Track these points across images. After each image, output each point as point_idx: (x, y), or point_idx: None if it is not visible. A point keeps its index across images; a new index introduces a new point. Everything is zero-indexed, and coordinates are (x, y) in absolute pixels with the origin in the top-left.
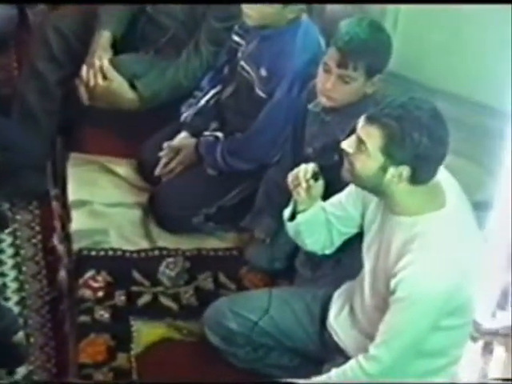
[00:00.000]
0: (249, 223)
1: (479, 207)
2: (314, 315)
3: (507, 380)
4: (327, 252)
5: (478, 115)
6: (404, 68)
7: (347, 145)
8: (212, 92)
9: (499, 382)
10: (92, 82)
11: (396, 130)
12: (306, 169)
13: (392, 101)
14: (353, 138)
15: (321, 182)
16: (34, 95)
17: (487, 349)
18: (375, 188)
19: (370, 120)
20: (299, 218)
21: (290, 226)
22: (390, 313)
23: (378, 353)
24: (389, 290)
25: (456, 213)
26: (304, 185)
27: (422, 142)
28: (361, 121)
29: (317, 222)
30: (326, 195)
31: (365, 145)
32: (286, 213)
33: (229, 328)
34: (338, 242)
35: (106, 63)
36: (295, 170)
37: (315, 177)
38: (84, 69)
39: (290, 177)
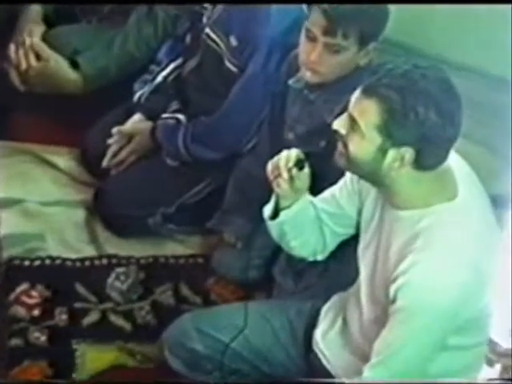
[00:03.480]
0: (217, 224)
1: (493, 202)
2: (297, 334)
3: (507, 380)
4: (319, 258)
5: (495, 92)
6: (404, 34)
7: (339, 124)
8: (171, 66)
9: (499, 382)
10: (24, 64)
11: (397, 103)
12: (288, 155)
13: (392, 69)
14: (345, 115)
15: (306, 171)
16: None
17: (506, 374)
18: (373, 175)
19: (366, 92)
20: (283, 215)
21: (272, 226)
22: (387, 327)
23: (373, 375)
24: (389, 298)
25: (470, 206)
26: (286, 175)
27: (428, 118)
28: (355, 94)
29: (305, 219)
30: (313, 190)
31: (358, 123)
32: (267, 210)
33: (194, 350)
34: (332, 245)
35: (37, 40)
36: (275, 158)
37: (299, 164)
38: (12, 48)
39: (270, 165)
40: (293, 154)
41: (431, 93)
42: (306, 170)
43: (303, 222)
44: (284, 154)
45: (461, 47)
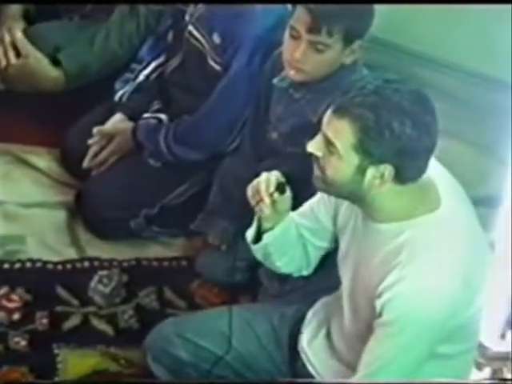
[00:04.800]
0: (200, 226)
1: (483, 203)
2: (281, 340)
3: (507, 380)
4: (304, 273)
5: (482, 90)
6: (390, 32)
7: (314, 147)
8: (153, 64)
9: (499, 382)
10: (3, 62)
11: (371, 121)
12: (268, 180)
13: (363, 86)
14: (319, 137)
15: (288, 195)
16: None
17: (496, 378)
18: (353, 195)
19: (338, 112)
20: (266, 237)
21: (256, 249)
22: (375, 339)
23: None
24: (373, 312)
25: (453, 215)
26: (267, 200)
27: (404, 132)
28: (326, 115)
29: (288, 239)
30: (298, 198)
31: (334, 145)
32: (250, 234)
33: (177, 357)
34: (315, 259)
35: (18, 36)
36: (255, 181)
37: (280, 188)
38: None
39: (250, 190)
40: (272, 178)
41: (405, 107)
42: (288, 193)
43: (287, 241)
44: (263, 177)
45: (448, 45)
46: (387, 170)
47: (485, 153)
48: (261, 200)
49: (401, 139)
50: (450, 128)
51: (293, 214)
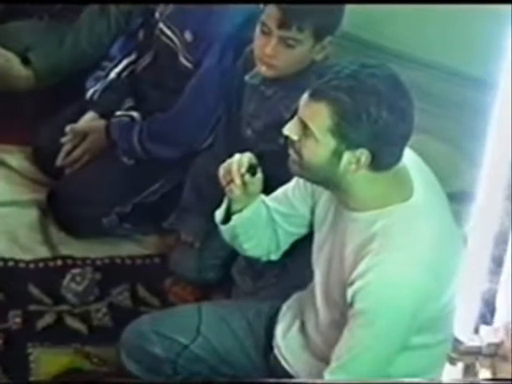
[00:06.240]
0: (173, 223)
1: (455, 199)
2: (257, 335)
3: (507, 380)
4: (273, 257)
5: (455, 87)
6: (362, 29)
7: (290, 130)
8: (125, 62)
9: (498, 381)
10: None
11: (348, 104)
12: (240, 160)
13: (340, 70)
14: (295, 120)
15: (259, 176)
16: None
17: (469, 372)
18: (328, 180)
19: (315, 96)
20: (235, 219)
21: (224, 230)
22: (347, 330)
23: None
24: (346, 301)
25: (426, 204)
26: (238, 181)
27: (381, 116)
28: (303, 99)
29: (258, 222)
30: (271, 188)
31: (310, 128)
32: (219, 214)
33: (152, 354)
34: (285, 244)
35: None
36: (227, 162)
37: (252, 170)
38: None
39: (222, 170)
40: (244, 159)
41: (381, 91)
42: (259, 175)
43: (256, 224)
44: (236, 158)
45: (420, 42)
46: (363, 155)
47: (458, 149)
48: (231, 181)
49: (377, 123)
50: (423, 124)
51: (265, 198)
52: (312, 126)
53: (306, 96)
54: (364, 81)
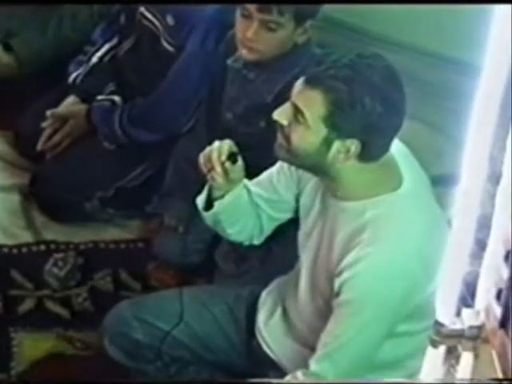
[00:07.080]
0: (156, 208)
1: (439, 182)
2: (238, 320)
3: (506, 380)
4: (256, 242)
5: (437, 70)
6: (344, 12)
7: (280, 115)
8: (106, 46)
9: (498, 382)
10: None
11: (344, 94)
12: (220, 148)
13: (337, 59)
14: (287, 105)
15: (240, 164)
16: None
17: (451, 355)
18: (315, 167)
19: (311, 83)
20: (217, 205)
21: (206, 216)
22: (333, 319)
23: (319, 369)
24: (332, 291)
25: (415, 193)
26: (219, 169)
27: (374, 108)
28: (297, 84)
29: (240, 207)
30: (252, 173)
31: (303, 114)
32: (200, 201)
33: (134, 339)
34: (268, 229)
35: None
36: (207, 150)
37: (232, 158)
38: None
39: (202, 158)
40: (225, 146)
41: (376, 83)
42: (240, 162)
43: (238, 209)
44: (216, 146)
45: (403, 25)
46: (353, 145)
47: (441, 132)
48: (212, 168)
49: (371, 115)
50: (408, 108)
51: (248, 183)
52: (306, 113)
53: (300, 82)
54: (361, 71)
